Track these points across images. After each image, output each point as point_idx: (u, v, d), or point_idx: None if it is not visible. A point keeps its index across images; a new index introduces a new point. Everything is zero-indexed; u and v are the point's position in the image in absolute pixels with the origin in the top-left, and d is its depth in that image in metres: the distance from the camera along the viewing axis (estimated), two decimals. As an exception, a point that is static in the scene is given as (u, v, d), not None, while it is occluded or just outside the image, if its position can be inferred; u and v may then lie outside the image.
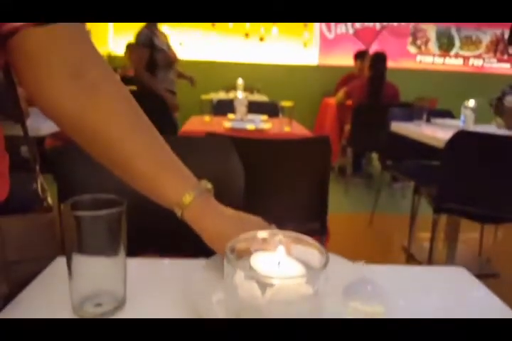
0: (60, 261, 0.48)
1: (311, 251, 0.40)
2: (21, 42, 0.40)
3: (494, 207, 1.72)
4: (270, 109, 2.41)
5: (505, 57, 4.81)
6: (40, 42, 0.40)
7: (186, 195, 0.44)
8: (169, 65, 2.44)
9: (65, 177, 0.76)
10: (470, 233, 2.21)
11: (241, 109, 1.80)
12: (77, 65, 0.41)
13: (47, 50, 0.40)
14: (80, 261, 0.36)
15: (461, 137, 1.65)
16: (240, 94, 2.13)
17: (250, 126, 1.67)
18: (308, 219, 1.46)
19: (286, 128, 1.77)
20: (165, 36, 2.52)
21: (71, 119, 0.43)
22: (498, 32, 4.68)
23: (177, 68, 2.59)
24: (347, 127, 3.20)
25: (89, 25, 3.53)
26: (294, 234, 0.42)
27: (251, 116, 1.89)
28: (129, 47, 2.90)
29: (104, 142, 0.44)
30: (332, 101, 3.51)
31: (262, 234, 0.42)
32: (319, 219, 1.44)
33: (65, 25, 0.41)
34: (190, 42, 4.30)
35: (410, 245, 2.05)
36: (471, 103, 2.17)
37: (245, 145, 1.25)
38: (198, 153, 0.85)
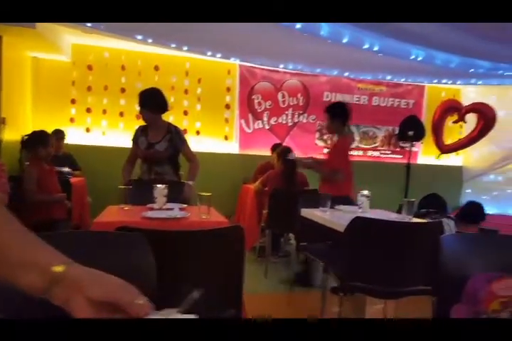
0: None
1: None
2: None
3: (391, 284, 1.91)
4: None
5: (398, 149, 5.68)
6: None
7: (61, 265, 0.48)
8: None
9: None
10: (376, 304, 2.38)
11: (160, 198, 1.89)
12: None
13: None
14: None
15: (357, 222, 1.88)
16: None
17: (168, 216, 1.71)
18: (223, 306, 1.48)
19: (204, 216, 1.81)
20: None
21: None
22: (390, 128, 5.58)
23: None
24: (265, 211, 3.44)
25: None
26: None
27: (171, 205, 1.92)
28: None
29: None
30: (251, 187, 3.78)
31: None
32: (235, 305, 1.47)
33: None
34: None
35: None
36: (366, 192, 2.48)
37: (160, 236, 1.32)
38: (108, 249, 0.85)
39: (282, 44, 3.77)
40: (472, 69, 4.45)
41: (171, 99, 4.67)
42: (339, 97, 5.35)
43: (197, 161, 2.58)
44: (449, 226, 2.82)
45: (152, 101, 2.53)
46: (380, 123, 5.59)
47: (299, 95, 5.18)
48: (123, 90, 4.54)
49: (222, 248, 1.39)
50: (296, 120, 5.21)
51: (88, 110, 4.58)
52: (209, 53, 4.35)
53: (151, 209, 1.88)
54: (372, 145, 5.63)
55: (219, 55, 4.41)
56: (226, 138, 4.97)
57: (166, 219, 1.70)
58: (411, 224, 1.93)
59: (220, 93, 4.89)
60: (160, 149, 2.51)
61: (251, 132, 5.03)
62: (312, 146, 5.31)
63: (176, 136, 2.54)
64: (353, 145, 5.46)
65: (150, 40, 3.87)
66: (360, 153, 5.58)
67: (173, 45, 4.04)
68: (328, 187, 2.84)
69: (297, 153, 4.85)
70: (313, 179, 3.90)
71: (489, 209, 5.55)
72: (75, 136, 4.49)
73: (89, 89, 4.55)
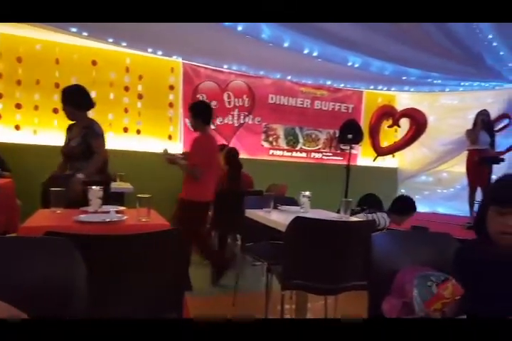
0: None
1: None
2: None
3: (330, 281, 1.98)
4: (132, 198, 2.41)
5: (338, 151, 5.92)
6: None
7: None
8: None
9: None
10: (318, 302, 2.46)
11: (95, 200, 1.79)
12: None
13: None
14: None
15: (297, 222, 1.93)
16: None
17: (102, 219, 1.63)
18: (165, 310, 1.44)
19: (144, 220, 1.74)
20: None
21: None
22: (332, 131, 5.80)
23: None
24: (211, 212, 3.39)
25: None
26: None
27: (107, 207, 1.84)
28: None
29: None
30: (196, 188, 3.72)
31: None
32: (176, 308, 1.44)
33: None
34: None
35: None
36: (307, 192, 2.54)
37: (92, 241, 1.25)
38: (34, 255, 0.81)
39: (226, 44, 3.77)
40: (405, 77, 4.78)
41: (110, 96, 4.48)
42: (283, 100, 5.47)
43: (99, 156, 2.50)
44: (384, 219, 2.98)
45: (75, 98, 2.49)
46: (322, 126, 5.80)
47: (244, 96, 5.20)
48: (57, 85, 4.24)
49: (161, 251, 1.36)
50: (242, 121, 5.23)
51: (18, 106, 4.23)
52: (150, 50, 4.23)
53: (85, 212, 1.78)
54: (315, 148, 5.82)
55: (160, 53, 4.30)
56: (170, 137, 4.84)
57: (101, 223, 1.62)
58: (347, 222, 2.02)
59: (162, 91, 4.76)
60: (73, 144, 2.48)
61: (196, 132, 4.96)
62: (258, 147, 5.37)
63: (89, 131, 2.48)
64: (298, 147, 5.65)
65: (85, 34, 3.67)
66: (304, 154, 5.74)
67: (111, 40, 3.87)
68: (184, 189, 2.87)
69: (244, 155, 4.89)
70: (259, 179, 3.95)
71: (421, 208, 5.97)
72: (2, 134, 4.13)
73: (18, 83, 4.20)
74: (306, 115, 5.66)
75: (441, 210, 5.90)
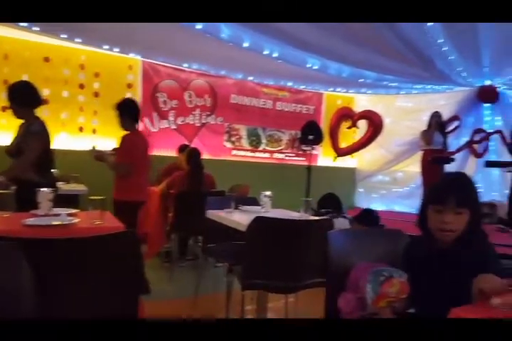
0: None
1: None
2: None
3: (290, 279, 2.00)
4: (84, 201, 2.32)
5: (300, 152, 6.01)
6: None
7: None
8: None
9: None
10: (279, 301, 2.48)
11: (45, 203, 1.70)
12: None
13: None
14: None
15: (257, 222, 1.94)
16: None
17: (54, 222, 1.56)
18: (119, 314, 1.40)
19: (97, 222, 1.69)
20: None
21: None
22: (294, 132, 5.88)
23: None
24: (170, 214, 3.34)
25: None
26: None
27: (58, 210, 1.76)
28: None
29: None
30: (156, 189, 3.64)
31: None
32: (130, 312, 1.40)
33: None
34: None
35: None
36: (268, 192, 2.56)
37: (40, 245, 1.19)
38: None
39: (185, 43, 3.72)
40: (361, 79, 4.94)
41: (63, 94, 4.29)
42: (246, 100, 5.48)
43: (26, 156, 2.34)
44: (344, 225, 3.09)
45: (20, 96, 2.38)
46: (284, 127, 5.87)
47: (206, 96, 5.16)
48: (5, 82, 4.00)
49: (113, 254, 1.31)
50: (204, 121, 5.18)
51: (-39, 103, 3.95)
52: (106, 47, 4.08)
53: (35, 215, 1.69)
54: (278, 148, 5.88)
55: (117, 50, 4.17)
56: (128, 136, 4.70)
57: (51, 227, 1.54)
58: (305, 221, 2.05)
59: (120, 89, 4.61)
60: (12, 144, 2.41)
61: (156, 131, 4.85)
62: (221, 148, 5.35)
63: (26, 129, 2.38)
64: (260, 148, 5.68)
65: (36, 29, 3.49)
66: (267, 155, 5.78)
67: (64, 36, 3.71)
68: (115, 188, 2.82)
69: (206, 155, 4.85)
70: (221, 180, 3.92)
71: (378, 206, 6.22)
72: None
73: (-37, 79, 3.93)
74: (268, 116, 5.70)
75: (397, 208, 6.14)
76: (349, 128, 6.04)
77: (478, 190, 1.26)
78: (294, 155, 6.02)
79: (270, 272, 1.96)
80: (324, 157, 6.26)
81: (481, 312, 0.84)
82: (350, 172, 6.57)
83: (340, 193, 5.13)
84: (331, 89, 5.79)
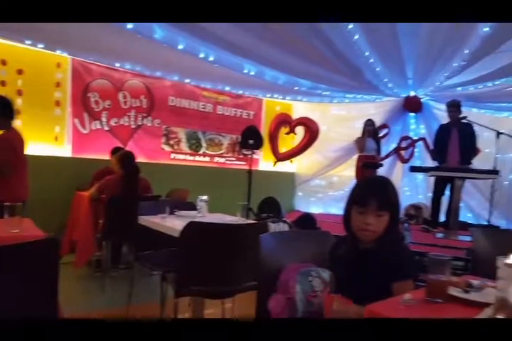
0: None
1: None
2: None
3: (225, 284, 1.98)
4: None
5: (241, 156, 6.03)
6: None
7: None
8: None
9: None
10: (217, 307, 2.44)
11: None
12: None
13: None
14: None
15: (191, 227, 1.90)
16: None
17: None
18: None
19: (15, 231, 1.60)
20: None
21: None
22: (234, 137, 5.90)
23: None
24: (101, 220, 3.16)
25: None
26: None
27: None
28: None
29: None
30: (86, 194, 3.44)
31: None
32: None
33: None
34: None
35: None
36: (204, 197, 2.53)
37: None
38: None
39: (116, 42, 3.56)
40: (297, 87, 5.09)
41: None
42: (185, 103, 5.39)
43: None
44: (284, 230, 3.15)
45: None
46: (225, 131, 5.86)
47: (142, 97, 4.97)
48: None
49: (29, 264, 1.21)
50: (140, 123, 4.99)
51: None
52: (28, 42, 3.78)
53: None
54: (219, 152, 5.85)
55: (41, 46, 3.87)
56: (56, 139, 4.37)
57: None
58: (239, 225, 2.05)
59: (47, 88, 4.29)
60: None
61: (87, 133, 4.57)
62: (158, 151, 5.18)
63: None
64: (201, 152, 5.60)
65: None
66: (207, 159, 5.73)
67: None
68: None
69: (142, 158, 4.67)
70: (159, 184, 3.79)
71: (316, 209, 6.45)
72: None
73: None
74: (208, 119, 5.66)
75: (333, 211, 6.39)
76: (287, 134, 6.20)
77: (398, 194, 1.34)
78: (234, 159, 6.03)
79: (204, 278, 1.93)
80: (265, 161, 6.34)
81: (393, 307, 0.89)
82: (290, 176, 6.73)
83: (281, 197, 5.22)
84: (269, 95, 5.90)
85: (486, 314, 0.79)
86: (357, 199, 1.29)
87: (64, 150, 4.40)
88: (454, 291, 0.97)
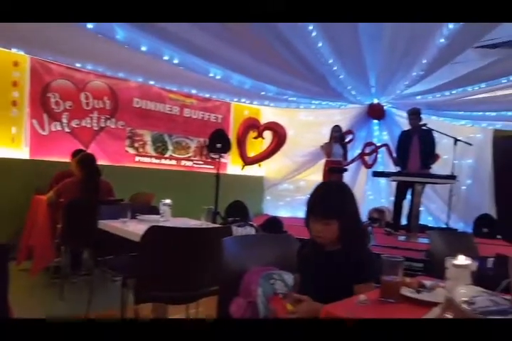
0: None
1: None
2: None
3: (188, 289, 1.95)
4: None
5: (209, 160, 5.98)
6: None
7: None
8: None
9: None
10: (180, 313, 2.39)
11: None
12: None
13: None
14: None
15: (152, 231, 1.85)
16: None
17: None
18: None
19: None
20: None
21: None
22: (202, 140, 5.84)
23: None
24: (59, 225, 3.03)
25: None
26: None
27: None
28: None
29: None
30: (44, 197, 3.29)
31: None
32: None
33: None
34: None
35: None
36: (168, 200, 2.48)
37: None
38: None
39: (77, 41, 3.44)
40: (263, 92, 5.13)
41: None
42: (150, 105, 5.29)
43: None
44: (251, 234, 3.14)
45: None
46: (193, 134, 5.80)
47: (105, 98, 4.83)
48: None
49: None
50: (102, 124, 4.84)
51: None
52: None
53: None
54: (186, 156, 5.78)
55: (-7, 42, 3.69)
56: (13, 140, 4.16)
57: None
58: (203, 229, 2.03)
59: (4, 87, 4.08)
60: None
61: (47, 134, 4.37)
62: (122, 153, 5.05)
63: None
64: (167, 155, 5.51)
65: None
66: (174, 162, 5.64)
67: None
68: None
69: (105, 161, 4.52)
70: (123, 188, 3.68)
71: (284, 213, 6.49)
72: None
73: None
74: (175, 122, 5.58)
75: (301, 215, 6.44)
76: (255, 138, 6.22)
77: (353, 200, 1.32)
78: (202, 162, 5.97)
79: (165, 283, 1.89)
80: (233, 165, 6.33)
81: (349, 308, 0.90)
82: (259, 180, 6.75)
83: (249, 201, 5.22)
84: (236, 99, 5.90)
85: (433, 313, 0.82)
86: (307, 207, 1.32)
87: (21, 152, 4.19)
88: (406, 291, 1.00)
